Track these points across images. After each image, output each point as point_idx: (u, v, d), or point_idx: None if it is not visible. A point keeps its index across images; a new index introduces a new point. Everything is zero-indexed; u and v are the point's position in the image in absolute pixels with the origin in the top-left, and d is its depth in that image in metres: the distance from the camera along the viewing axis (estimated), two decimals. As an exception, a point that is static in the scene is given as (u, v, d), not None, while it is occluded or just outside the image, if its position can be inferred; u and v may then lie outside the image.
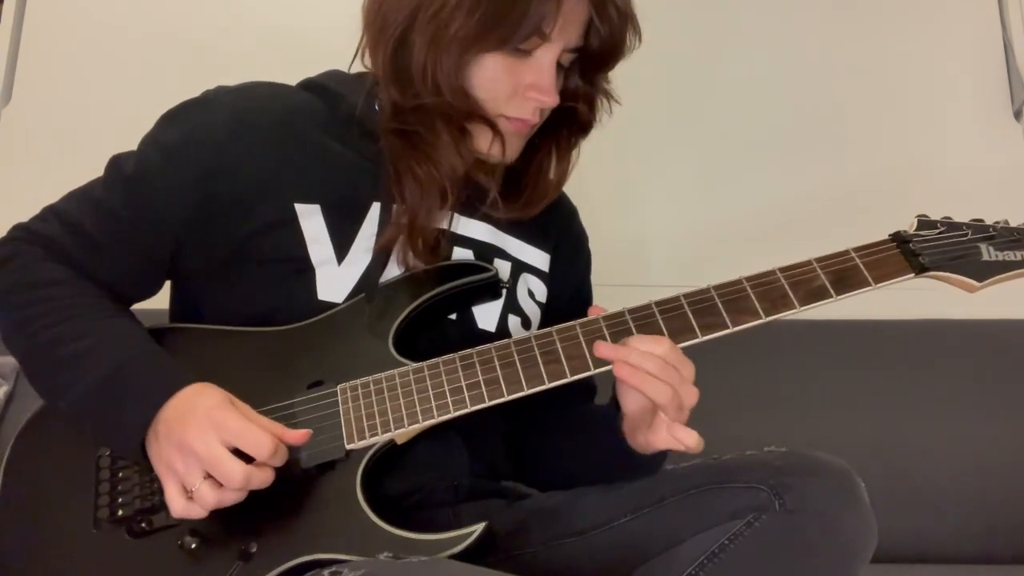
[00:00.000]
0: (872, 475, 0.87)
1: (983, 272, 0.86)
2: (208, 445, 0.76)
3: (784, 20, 1.83)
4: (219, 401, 0.79)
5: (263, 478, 0.77)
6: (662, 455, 0.91)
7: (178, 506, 0.77)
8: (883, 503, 0.88)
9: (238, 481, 0.76)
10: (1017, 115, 1.79)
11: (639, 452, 0.89)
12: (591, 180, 1.18)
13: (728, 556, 0.82)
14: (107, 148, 0.94)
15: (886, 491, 1.02)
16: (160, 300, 1.00)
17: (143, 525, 0.83)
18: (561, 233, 1.08)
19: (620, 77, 0.97)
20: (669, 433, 0.83)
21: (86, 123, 1.68)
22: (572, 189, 1.13)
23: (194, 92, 0.95)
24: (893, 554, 1.40)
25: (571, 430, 0.99)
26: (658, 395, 0.81)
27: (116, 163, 0.92)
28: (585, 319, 0.87)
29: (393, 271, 0.93)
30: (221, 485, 0.76)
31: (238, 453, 0.77)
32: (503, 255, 1.00)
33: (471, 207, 0.96)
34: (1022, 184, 1.73)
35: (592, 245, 1.14)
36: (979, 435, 1.51)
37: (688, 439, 0.82)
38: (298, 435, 0.80)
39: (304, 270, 0.90)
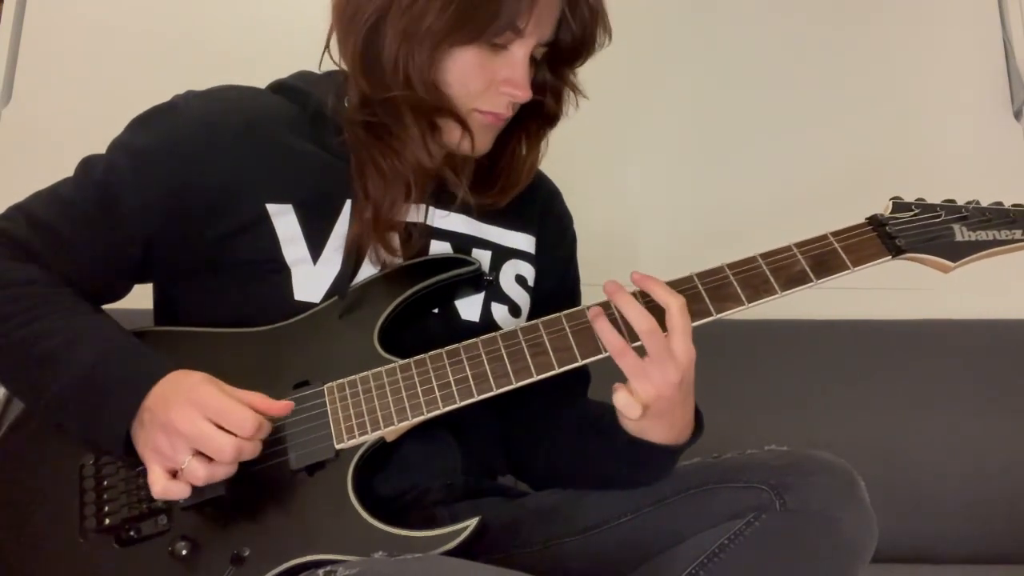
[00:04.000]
0: (872, 475, 0.87)
1: (957, 252, 0.88)
2: (193, 422, 0.76)
3: (783, 19, 1.83)
4: (199, 381, 0.79)
5: (252, 449, 0.78)
6: (665, 454, 0.88)
7: (158, 487, 0.77)
8: (883, 503, 0.88)
9: (229, 453, 0.76)
10: (1017, 115, 1.79)
11: (643, 439, 0.86)
12: (578, 178, 1.18)
13: (728, 555, 0.82)
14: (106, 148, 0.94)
15: (886, 491, 1.02)
16: (145, 301, 1.00)
17: (131, 533, 0.82)
18: (544, 214, 1.07)
19: (613, 73, 0.97)
20: (617, 394, 0.83)
21: (86, 123, 1.66)
22: (562, 189, 1.12)
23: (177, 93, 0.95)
24: (893, 554, 1.39)
25: (571, 427, 0.98)
26: (611, 343, 0.81)
27: (87, 165, 0.92)
28: (570, 310, 0.87)
29: (370, 269, 0.93)
30: (210, 461, 0.77)
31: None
32: (483, 244, 1.00)
33: (445, 199, 0.96)
34: (1022, 184, 1.73)
35: (581, 244, 1.14)
36: (979, 435, 1.51)
37: (616, 394, 0.82)
38: (281, 406, 0.81)
39: (279, 270, 0.90)
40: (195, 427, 0.76)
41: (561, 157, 1.04)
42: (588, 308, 0.86)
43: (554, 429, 0.99)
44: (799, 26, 1.83)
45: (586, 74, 0.97)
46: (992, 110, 1.80)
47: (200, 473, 0.76)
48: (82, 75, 1.75)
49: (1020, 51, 1.81)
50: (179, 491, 0.77)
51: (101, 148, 0.94)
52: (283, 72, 1.00)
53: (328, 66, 0.95)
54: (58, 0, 1.79)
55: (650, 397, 0.81)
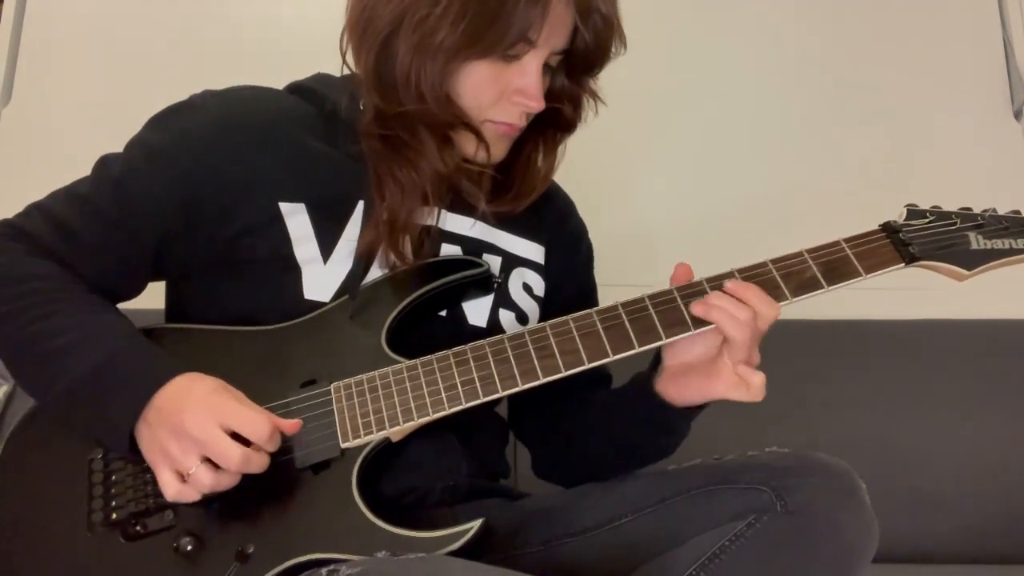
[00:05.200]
0: (872, 475, 0.87)
1: (972, 261, 0.87)
2: (205, 428, 0.76)
3: (785, 19, 1.83)
4: (215, 387, 0.80)
5: (260, 462, 0.78)
6: (691, 416, 0.91)
7: (172, 490, 0.78)
8: (883, 503, 0.88)
9: (236, 462, 0.76)
10: (1017, 115, 1.79)
11: (674, 406, 0.88)
12: (592, 181, 1.18)
13: (729, 557, 0.82)
14: (107, 148, 0.94)
15: (886, 491, 1.02)
16: (157, 300, 1.00)
17: (138, 528, 0.82)
18: (556, 226, 1.08)
19: (620, 76, 0.97)
20: (737, 373, 0.83)
21: (86, 123, 1.68)
22: (574, 190, 1.13)
23: (194, 93, 0.95)
24: (893, 554, 1.40)
25: (594, 418, 0.98)
26: (736, 333, 0.81)
27: (104, 163, 0.93)
28: (578, 313, 0.87)
29: (379, 270, 0.93)
30: (217, 468, 0.77)
31: (235, 438, 0.77)
32: (493, 250, 1.00)
33: (457, 203, 0.96)
34: (1022, 184, 1.73)
35: (597, 246, 1.14)
36: (979, 435, 1.51)
37: (755, 378, 0.82)
38: (290, 424, 0.81)
39: (290, 269, 0.90)
40: (206, 432, 0.76)
41: (576, 160, 1.04)
42: (594, 311, 0.86)
43: (580, 429, 0.99)
44: (802, 28, 1.83)
45: (600, 77, 0.97)
46: (992, 110, 1.80)
47: (206, 481, 0.77)
48: (82, 75, 1.75)
49: (1020, 51, 1.81)
50: (191, 497, 0.78)
51: (101, 148, 0.94)
52: (284, 73, 1.01)
53: (345, 70, 0.95)
54: (58, 0, 1.79)
55: (744, 336, 0.82)
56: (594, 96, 0.98)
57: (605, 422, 0.97)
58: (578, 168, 1.07)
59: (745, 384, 0.83)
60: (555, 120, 0.97)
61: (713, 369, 0.85)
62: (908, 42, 1.83)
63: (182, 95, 0.95)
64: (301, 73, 1.01)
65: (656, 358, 0.91)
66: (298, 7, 1.76)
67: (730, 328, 0.81)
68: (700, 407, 0.90)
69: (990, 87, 1.81)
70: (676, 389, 0.88)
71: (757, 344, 0.84)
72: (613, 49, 0.92)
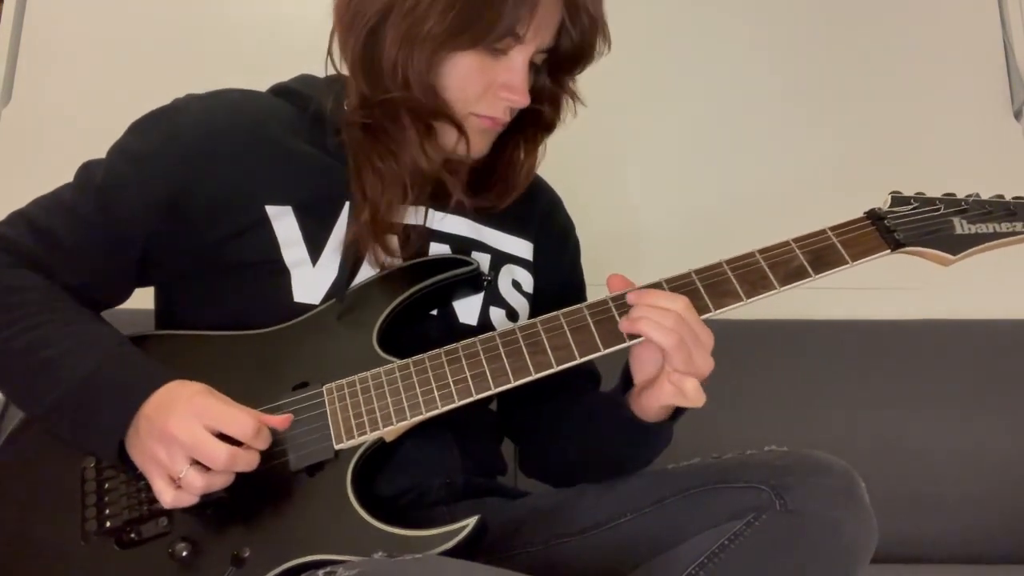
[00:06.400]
0: (872, 475, 0.87)
1: (957, 245, 0.87)
2: (190, 431, 0.76)
3: (783, 18, 1.83)
4: (198, 390, 0.80)
5: (249, 459, 0.78)
6: (667, 430, 0.91)
7: (168, 496, 0.77)
8: (883, 503, 0.88)
9: (223, 461, 0.76)
10: (1017, 115, 1.79)
11: (643, 419, 0.88)
12: (580, 179, 1.18)
13: (728, 556, 0.82)
14: (106, 148, 0.94)
15: (886, 491, 1.02)
16: (147, 301, 1.00)
17: (132, 535, 0.82)
18: (544, 222, 1.08)
19: (607, 74, 0.97)
20: (670, 381, 0.83)
21: (86, 123, 1.67)
22: (563, 188, 1.13)
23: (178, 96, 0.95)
24: (893, 554, 1.39)
25: (578, 419, 0.98)
26: (664, 340, 0.81)
27: (87, 170, 0.92)
28: (568, 308, 0.87)
29: (369, 271, 0.93)
30: (207, 469, 0.77)
31: (224, 439, 0.77)
32: (482, 248, 1.00)
33: (445, 202, 0.96)
34: (1022, 184, 1.73)
35: (584, 243, 1.14)
36: (979, 435, 1.51)
37: (687, 384, 0.82)
38: (280, 420, 0.81)
39: (279, 272, 0.90)
40: (191, 434, 0.76)
41: (562, 157, 1.04)
42: (584, 305, 0.86)
43: (565, 428, 0.99)
44: (799, 26, 1.83)
45: (586, 73, 0.97)
46: (992, 110, 1.80)
47: (197, 483, 0.76)
48: (82, 75, 1.75)
49: (1020, 51, 1.81)
50: (187, 501, 0.78)
51: (101, 149, 0.94)
52: (286, 74, 1.01)
53: (331, 71, 0.94)
54: (58, 0, 1.79)
55: (672, 344, 0.82)
56: (573, 97, 0.98)
57: (586, 426, 0.97)
58: (566, 166, 1.07)
59: (681, 391, 0.83)
60: (536, 120, 0.97)
61: (658, 380, 0.85)
62: (908, 42, 1.82)
63: (182, 95, 0.95)
64: (301, 73, 1.01)
65: (628, 377, 0.91)
66: (298, 7, 1.76)
67: (657, 335, 0.81)
68: (671, 419, 0.90)
69: (990, 87, 1.81)
70: (638, 404, 0.89)
71: (701, 349, 0.82)
72: (597, 48, 0.93)
